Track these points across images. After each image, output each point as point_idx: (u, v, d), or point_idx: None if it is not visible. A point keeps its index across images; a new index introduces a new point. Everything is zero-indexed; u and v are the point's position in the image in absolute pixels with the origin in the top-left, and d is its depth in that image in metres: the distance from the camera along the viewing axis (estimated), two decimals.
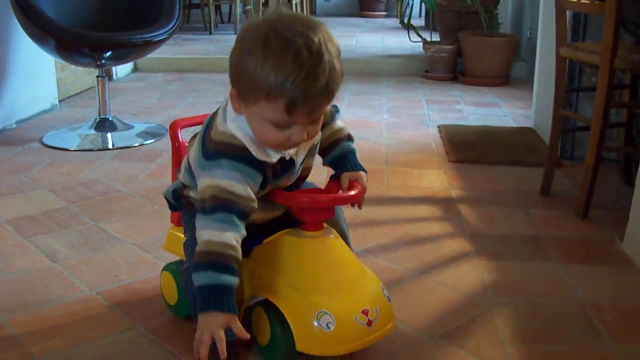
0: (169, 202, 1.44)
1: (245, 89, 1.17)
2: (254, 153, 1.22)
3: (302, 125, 1.18)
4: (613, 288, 1.70)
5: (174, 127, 1.53)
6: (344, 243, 1.37)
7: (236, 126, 1.22)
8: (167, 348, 1.41)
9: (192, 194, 1.35)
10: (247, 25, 1.19)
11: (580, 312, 1.57)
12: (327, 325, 1.24)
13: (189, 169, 1.33)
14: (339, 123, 1.41)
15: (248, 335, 1.20)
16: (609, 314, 1.56)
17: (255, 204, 1.23)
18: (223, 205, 1.19)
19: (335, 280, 1.30)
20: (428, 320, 1.53)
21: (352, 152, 1.39)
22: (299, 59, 1.11)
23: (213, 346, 1.23)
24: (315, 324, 1.25)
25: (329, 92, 1.15)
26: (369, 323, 1.28)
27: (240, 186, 1.20)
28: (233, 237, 1.20)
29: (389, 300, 1.36)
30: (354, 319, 1.27)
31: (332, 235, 1.33)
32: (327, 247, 1.32)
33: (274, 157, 1.24)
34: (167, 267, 1.53)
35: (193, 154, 1.31)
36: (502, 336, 1.47)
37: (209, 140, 1.24)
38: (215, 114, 1.31)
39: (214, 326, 1.17)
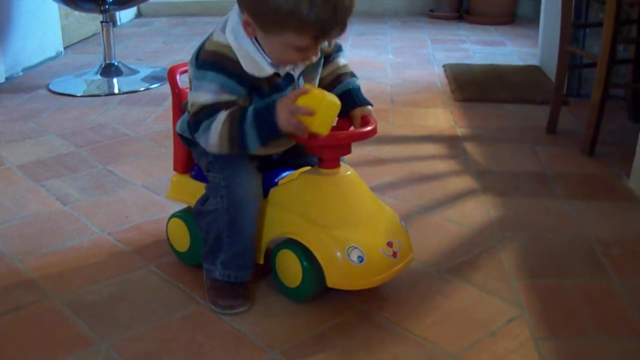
0: (183, 137, 1.42)
1: (269, 21, 1.17)
2: (244, 67, 1.22)
3: (319, 45, 1.23)
4: (619, 223, 1.71)
5: (172, 73, 1.49)
6: (360, 179, 1.38)
7: (233, 38, 1.23)
8: (178, 285, 1.43)
9: None
10: None
11: (585, 247, 1.59)
12: (357, 259, 1.27)
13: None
14: (342, 60, 1.40)
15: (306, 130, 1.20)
16: (614, 249, 1.58)
17: (244, 102, 1.25)
18: (213, 111, 1.22)
19: (357, 215, 1.32)
20: (435, 255, 1.55)
21: (358, 88, 1.39)
22: None
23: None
24: (346, 258, 1.26)
25: (351, 12, 1.19)
26: (394, 254, 1.31)
27: (216, 95, 1.22)
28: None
29: (407, 231, 1.39)
30: (381, 252, 1.29)
31: (349, 172, 1.34)
32: (346, 183, 1.33)
33: (268, 72, 1.25)
34: (176, 215, 1.51)
35: (190, 70, 1.32)
36: (507, 270, 1.49)
37: (202, 51, 1.26)
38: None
39: (286, 109, 1.19)
